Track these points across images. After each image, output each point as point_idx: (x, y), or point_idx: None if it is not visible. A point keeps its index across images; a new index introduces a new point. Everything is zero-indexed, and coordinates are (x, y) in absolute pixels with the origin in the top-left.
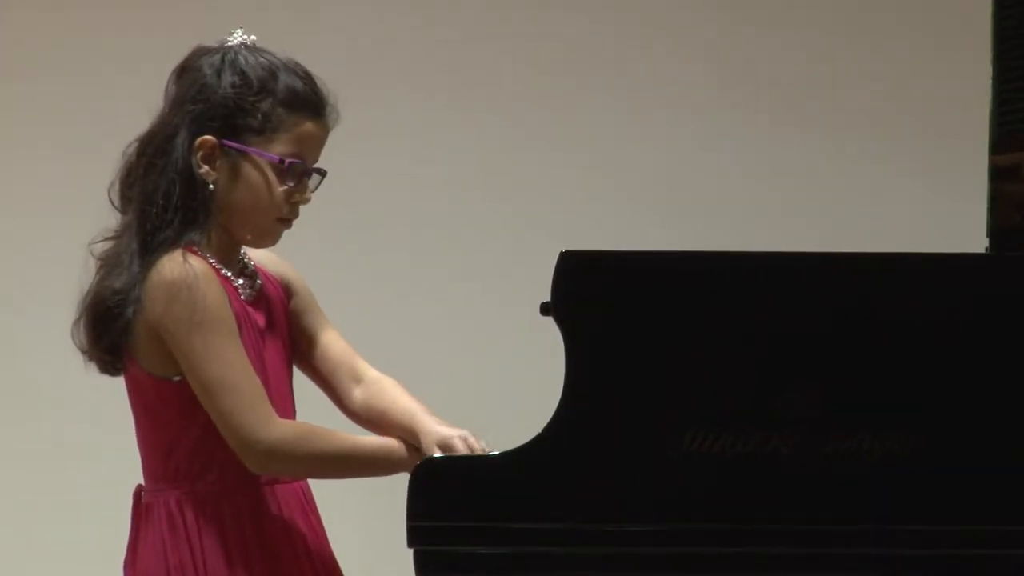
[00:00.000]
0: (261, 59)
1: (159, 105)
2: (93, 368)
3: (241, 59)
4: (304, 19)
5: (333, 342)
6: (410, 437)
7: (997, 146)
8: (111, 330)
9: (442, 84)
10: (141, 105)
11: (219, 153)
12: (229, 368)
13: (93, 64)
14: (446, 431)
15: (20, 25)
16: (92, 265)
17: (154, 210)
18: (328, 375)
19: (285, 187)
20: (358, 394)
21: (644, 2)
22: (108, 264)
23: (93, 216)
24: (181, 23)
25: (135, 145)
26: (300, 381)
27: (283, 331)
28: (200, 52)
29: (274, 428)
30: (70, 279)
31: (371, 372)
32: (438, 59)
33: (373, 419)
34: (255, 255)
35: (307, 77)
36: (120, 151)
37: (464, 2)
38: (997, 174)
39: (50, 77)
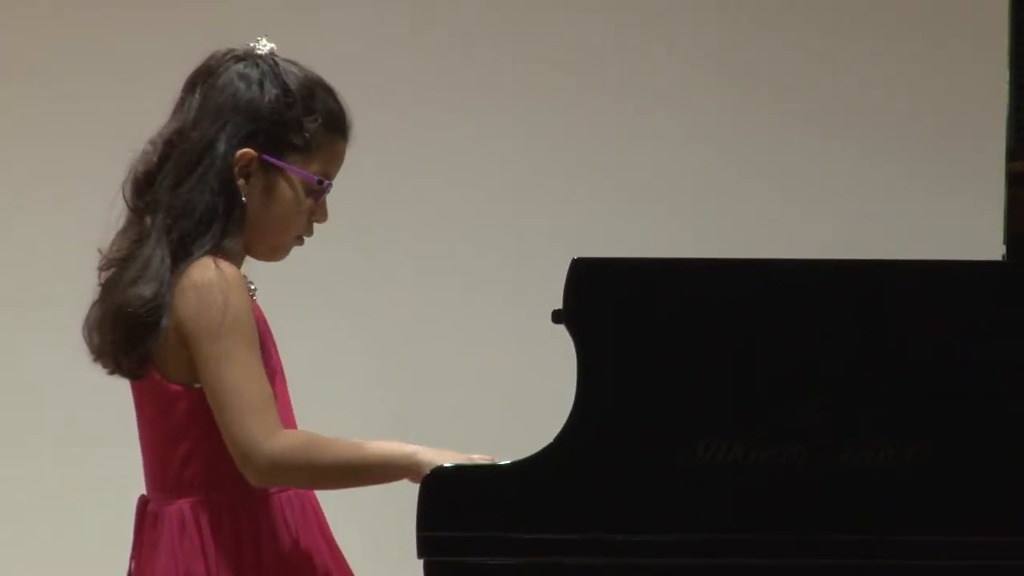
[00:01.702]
0: (299, 73)
1: (167, 106)
2: (99, 370)
3: (281, 71)
4: (307, 20)
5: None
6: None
7: (1013, 152)
8: (146, 340)
9: (451, 90)
10: (145, 106)
11: (256, 167)
12: (245, 377)
13: (97, 65)
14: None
15: (22, 25)
16: (98, 263)
17: (194, 218)
18: None
19: (309, 205)
20: None
21: (652, 4)
22: (134, 270)
23: (98, 217)
24: (187, 24)
25: (158, 146)
26: (298, 389)
27: (272, 339)
28: (228, 57)
29: (277, 439)
30: (75, 280)
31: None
32: (446, 64)
33: None
34: None
35: (335, 95)
36: (124, 151)
37: (470, 5)
38: (1014, 180)
39: (53, 78)
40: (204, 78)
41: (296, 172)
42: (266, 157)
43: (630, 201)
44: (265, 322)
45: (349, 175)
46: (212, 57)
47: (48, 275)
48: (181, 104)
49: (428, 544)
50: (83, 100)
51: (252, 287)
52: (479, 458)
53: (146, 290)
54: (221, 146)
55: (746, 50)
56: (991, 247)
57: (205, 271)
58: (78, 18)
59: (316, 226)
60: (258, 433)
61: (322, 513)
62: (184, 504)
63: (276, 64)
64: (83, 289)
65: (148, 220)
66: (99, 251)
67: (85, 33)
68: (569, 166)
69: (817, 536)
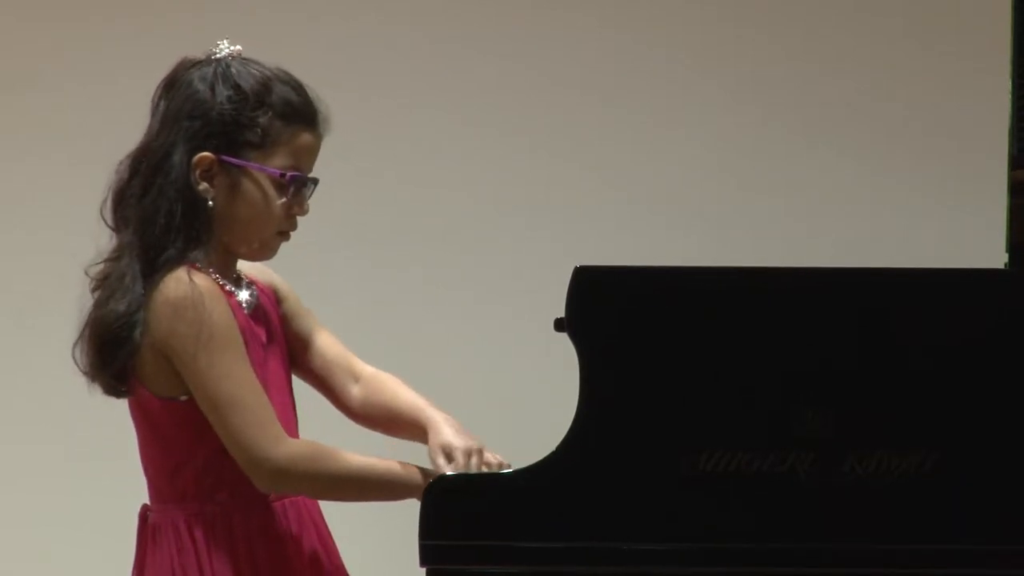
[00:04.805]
0: (253, 71)
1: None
2: (97, 389)
3: (233, 71)
4: (304, 26)
5: (327, 342)
6: (417, 432)
7: (1016, 161)
8: (119, 355)
9: (454, 96)
10: (145, 116)
11: (217, 169)
12: (237, 386)
13: (99, 76)
14: (452, 440)
15: (13, 36)
16: (88, 284)
17: (155, 230)
18: (325, 376)
19: (283, 200)
20: (356, 392)
21: (659, 12)
22: (109, 286)
23: (97, 229)
24: (182, 35)
25: (127, 162)
26: (301, 391)
27: (281, 341)
28: (187, 64)
29: (284, 446)
30: (76, 294)
31: (368, 369)
32: (449, 69)
33: (374, 416)
34: (241, 266)
35: (299, 87)
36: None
37: (475, 12)
38: (1016, 190)
39: (54, 88)
40: (167, 89)
41: (257, 168)
42: (224, 158)
43: (633, 209)
44: (252, 331)
45: (350, 181)
46: (176, 67)
47: (45, 286)
48: (151, 117)
49: (431, 552)
50: (89, 111)
51: (241, 294)
52: (491, 456)
53: (119, 305)
54: (177, 153)
55: (750, 58)
56: (993, 256)
57: (178, 285)
58: (69, 29)
59: (319, 235)
60: (263, 441)
61: (322, 520)
62: (179, 515)
63: (228, 65)
64: (81, 300)
65: (123, 236)
66: (85, 273)
67: (76, 44)
68: (572, 173)
69: (821, 545)
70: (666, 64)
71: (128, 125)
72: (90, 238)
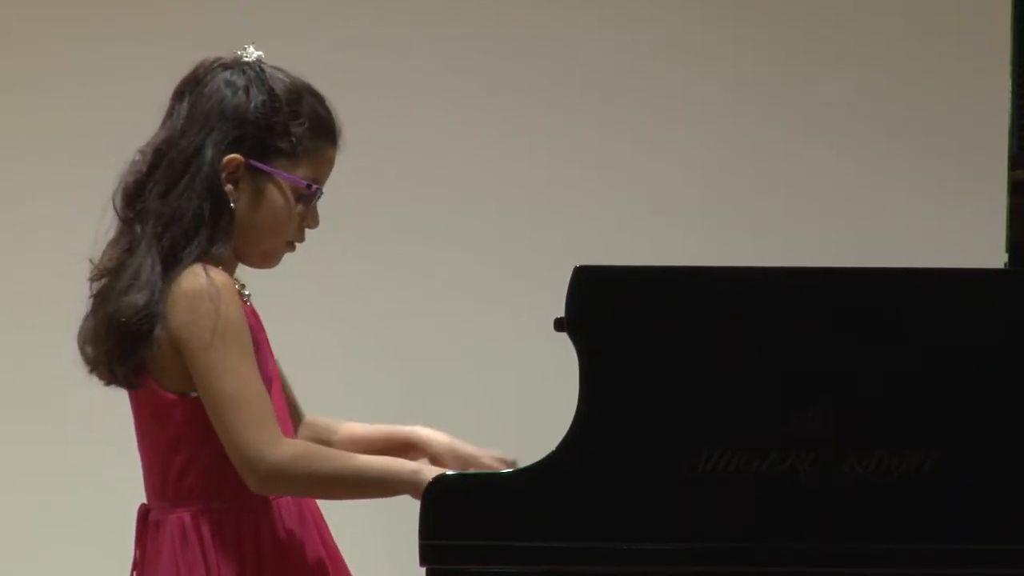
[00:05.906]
0: (286, 79)
1: (159, 116)
2: (94, 381)
3: (267, 77)
4: (301, 26)
5: (283, 377)
6: (402, 449)
7: (1016, 161)
8: (139, 349)
9: (454, 96)
10: (138, 116)
11: (243, 173)
12: (242, 384)
13: (97, 75)
14: (472, 451)
15: (12, 36)
16: (89, 273)
17: (182, 226)
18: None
19: (299, 210)
20: (302, 434)
21: (659, 12)
22: (126, 278)
23: (97, 227)
24: (179, 34)
25: (149, 155)
26: (298, 397)
27: (267, 344)
28: (214, 65)
29: (280, 449)
30: (72, 291)
31: (306, 414)
32: (450, 69)
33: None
34: None
35: (323, 100)
36: (122, 160)
37: (475, 12)
38: (1016, 189)
39: (53, 87)
40: (192, 87)
41: (284, 177)
42: (253, 162)
43: (633, 209)
44: (261, 329)
45: (349, 181)
46: (200, 66)
47: (44, 286)
48: (170, 113)
49: (430, 552)
50: (87, 110)
51: (246, 293)
52: (488, 458)
53: (138, 298)
54: (208, 153)
55: (750, 58)
56: (993, 256)
57: (195, 279)
58: (69, 29)
59: (320, 234)
60: (259, 442)
61: (322, 519)
62: (185, 513)
63: (262, 70)
64: (80, 300)
65: (138, 229)
66: (90, 261)
67: (76, 44)
68: (572, 173)
69: (821, 545)
70: (666, 64)
71: (128, 125)
72: (90, 238)
